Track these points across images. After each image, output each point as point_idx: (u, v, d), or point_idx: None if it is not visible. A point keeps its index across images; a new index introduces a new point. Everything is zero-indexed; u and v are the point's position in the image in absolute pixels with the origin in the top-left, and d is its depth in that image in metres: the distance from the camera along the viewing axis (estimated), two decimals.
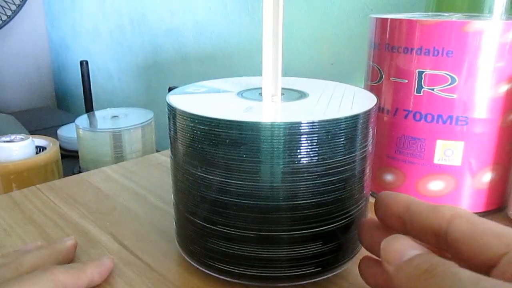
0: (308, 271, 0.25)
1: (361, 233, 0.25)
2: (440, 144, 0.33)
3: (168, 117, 0.27)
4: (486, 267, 0.17)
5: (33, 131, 0.89)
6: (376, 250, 0.24)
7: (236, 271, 0.25)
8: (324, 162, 0.24)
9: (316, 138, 0.23)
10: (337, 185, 0.24)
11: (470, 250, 0.18)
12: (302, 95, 0.29)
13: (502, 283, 0.15)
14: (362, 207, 0.27)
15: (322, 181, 0.24)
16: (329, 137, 0.23)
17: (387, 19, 0.34)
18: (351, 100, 0.27)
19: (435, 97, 0.32)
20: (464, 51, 0.31)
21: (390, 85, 0.35)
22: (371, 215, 0.25)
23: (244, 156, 0.23)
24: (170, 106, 0.26)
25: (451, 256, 0.19)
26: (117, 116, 0.71)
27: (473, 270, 0.16)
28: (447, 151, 0.33)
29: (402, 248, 0.18)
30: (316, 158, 0.23)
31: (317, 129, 0.23)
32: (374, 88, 0.36)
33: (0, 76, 1.34)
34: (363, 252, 0.25)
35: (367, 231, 0.25)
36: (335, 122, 0.23)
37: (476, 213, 0.34)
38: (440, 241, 0.19)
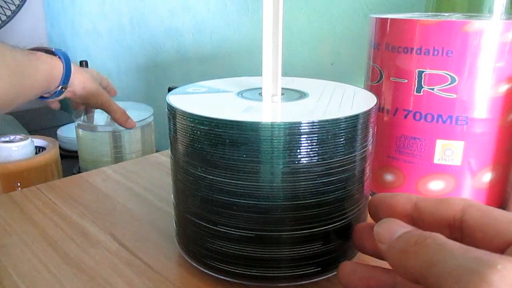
0: (308, 271, 0.25)
1: (356, 238, 0.25)
2: (440, 144, 0.33)
3: (168, 117, 0.27)
4: (499, 252, 0.18)
5: (33, 131, 0.89)
6: (370, 251, 0.24)
7: (236, 271, 0.25)
8: (324, 162, 0.24)
9: (316, 138, 0.23)
10: (337, 185, 0.24)
11: (485, 236, 0.18)
12: (302, 95, 0.29)
13: (489, 253, 0.15)
14: (362, 207, 0.27)
15: (322, 181, 0.24)
16: (329, 137, 0.23)
17: (387, 19, 0.34)
18: (351, 100, 0.27)
19: (435, 97, 0.32)
20: (464, 51, 0.31)
21: (390, 85, 0.35)
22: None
23: (244, 156, 0.23)
24: (170, 106, 0.26)
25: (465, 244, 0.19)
26: None
27: None
28: (447, 151, 0.33)
29: (393, 228, 0.19)
30: (316, 158, 0.23)
31: (317, 129, 0.23)
32: (374, 88, 0.36)
33: None
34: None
35: (361, 235, 0.25)
36: (335, 122, 0.23)
37: None
38: (454, 231, 0.20)
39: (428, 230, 0.19)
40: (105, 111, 0.64)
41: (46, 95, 0.56)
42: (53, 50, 0.55)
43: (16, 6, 1.19)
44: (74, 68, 0.56)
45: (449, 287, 0.15)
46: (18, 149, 0.57)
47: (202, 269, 0.27)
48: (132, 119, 0.67)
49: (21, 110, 1.32)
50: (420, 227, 0.21)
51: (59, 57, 0.55)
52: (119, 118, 0.64)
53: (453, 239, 0.19)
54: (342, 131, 0.24)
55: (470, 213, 0.19)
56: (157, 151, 0.63)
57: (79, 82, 0.57)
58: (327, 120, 0.23)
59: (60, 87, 0.55)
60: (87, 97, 0.60)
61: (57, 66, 0.54)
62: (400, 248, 0.18)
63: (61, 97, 0.58)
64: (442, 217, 0.20)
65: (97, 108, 0.64)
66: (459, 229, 0.20)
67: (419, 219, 0.21)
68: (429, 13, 0.41)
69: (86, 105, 0.65)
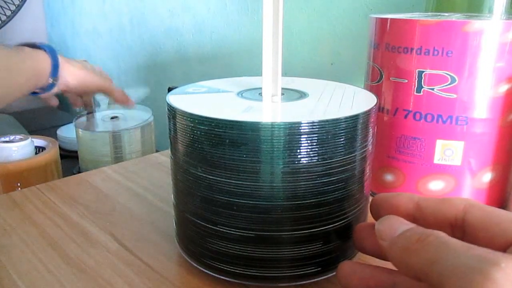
0: (308, 271, 0.25)
1: (356, 238, 0.25)
2: (440, 144, 0.33)
3: (168, 117, 0.27)
4: (501, 250, 0.18)
5: (33, 131, 0.89)
6: (371, 251, 0.24)
7: (236, 271, 0.25)
8: (324, 162, 0.24)
9: (316, 138, 0.23)
10: (337, 185, 0.24)
11: (487, 235, 0.18)
12: (302, 95, 0.29)
13: (492, 251, 0.15)
14: (362, 207, 0.27)
15: (322, 181, 0.24)
16: (329, 137, 0.23)
17: (387, 19, 0.34)
18: (351, 100, 0.27)
19: (435, 97, 0.32)
20: (464, 51, 0.31)
21: (390, 85, 0.35)
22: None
23: (244, 156, 0.23)
24: (170, 106, 0.26)
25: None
26: (116, 117, 0.71)
27: None
28: (447, 151, 0.33)
29: (395, 225, 0.19)
30: (316, 158, 0.23)
31: (317, 129, 0.23)
32: (374, 88, 0.36)
33: None
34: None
35: (362, 235, 0.25)
36: (335, 122, 0.23)
37: None
38: (456, 230, 0.20)
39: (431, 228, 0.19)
40: (104, 94, 0.63)
41: (38, 91, 0.55)
42: (37, 44, 0.55)
43: (16, 6, 1.19)
44: (62, 59, 0.55)
45: (452, 285, 0.15)
46: (18, 149, 0.56)
47: (202, 269, 0.27)
48: (132, 120, 0.67)
49: (21, 110, 1.32)
50: (422, 226, 0.21)
51: (44, 50, 0.54)
52: (119, 99, 0.63)
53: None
54: (342, 131, 0.24)
55: (472, 213, 0.19)
56: (157, 151, 0.63)
57: (70, 72, 0.56)
58: (327, 120, 0.23)
59: (51, 80, 0.54)
60: (82, 85, 0.58)
61: (44, 59, 0.53)
62: (402, 245, 0.18)
63: (55, 90, 0.57)
64: (444, 217, 0.20)
65: (95, 92, 0.63)
66: (461, 229, 0.20)
67: (421, 218, 0.21)
68: (429, 13, 0.41)
69: (84, 93, 0.64)
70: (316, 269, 0.25)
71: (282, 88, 0.29)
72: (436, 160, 0.34)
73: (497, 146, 0.33)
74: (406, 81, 0.33)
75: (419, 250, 0.17)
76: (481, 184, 0.34)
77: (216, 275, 0.26)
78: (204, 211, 0.25)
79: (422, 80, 0.32)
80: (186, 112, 0.25)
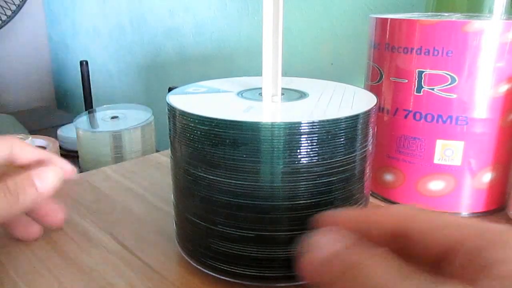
0: None
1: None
2: (440, 144, 0.33)
3: (168, 117, 0.27)
4: (436, 260, 0.17)
5: (33, 131, 0.89)
6: None
7: (236, 271, 0.25)
8: (324, 162, 0.24)
9: (316, 138, 0.23)
10: (337, 185, 0.24)
11: (424, 244, 0.18)
12: (302, 95, 0.29)
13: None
14: (362, 207, 0.27)
15: (322, 181, 0.24)
16: (329, 137, 0.23)
17: (387, 19, 0.34)
18: (351, 100, 0.27)
19: (435, 97, 0.32)
20: (464, 51, 0.31)
21: (390, 85, 0.35)
22: None
23: (244, 156, 0.23)
24: (170, 106, 0.26)
25: (409, 252, 0.19)
26: (117, 117, 0.71)
27: (430, 262, 0.16)
28: (447, 151, 0.33)
29: (320, 253, 0.18)
30: (316, 158, 0.23)
31: (317, 129, 0.23)
32: (374, 88, 0.36)
33: (0, 76, 1.34)
34: None
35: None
36: (335, 122, 0.23)
37: (476, 213, 0.34)
38: (399, 241, 0.19)
39: (377, 243, 0.18)
40: None
41: None
42: None
43: (17, 6, 1.20)
44: None
45: None
46: None
47: (202, 269, 0.27)
48: (132, 120, 0.67)
49: (21, 110, 1.32)
50: (366, 238, 0.20)
51: None
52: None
53: (398, 248, 0.18)
54: (342, 131, 0.24)
55: (415, 222, 0.19)
56: (157, 151, 0.63)
57: None
58: (327, 120, 0.23)
59: None
60: None
61: None
62: (327, 280, 0.17)
63: None
64: (388, 229, 0.19)
65: None
66: (404, 237, 0.19)
67: (367, 233, 0.20)
68: (429, 13, 0.41)
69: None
70: None
71: (282, 88, 0.29)
72: (436, 160, 0.34)
73: (497, 146, 0.33)
74: (406, 81, 0.33)
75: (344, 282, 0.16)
76: (481, 184, 0.34)
77: (216, 275, 0.26)
78: (204, 211, 0.25)
79: (422, 80, 0.32)
80: (186, 112, 0.25)
